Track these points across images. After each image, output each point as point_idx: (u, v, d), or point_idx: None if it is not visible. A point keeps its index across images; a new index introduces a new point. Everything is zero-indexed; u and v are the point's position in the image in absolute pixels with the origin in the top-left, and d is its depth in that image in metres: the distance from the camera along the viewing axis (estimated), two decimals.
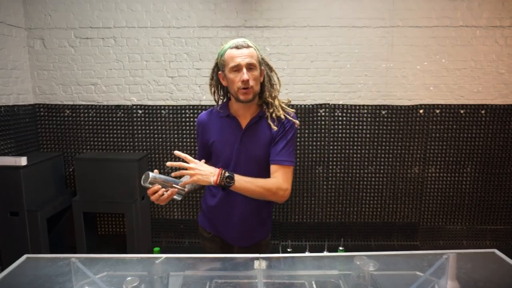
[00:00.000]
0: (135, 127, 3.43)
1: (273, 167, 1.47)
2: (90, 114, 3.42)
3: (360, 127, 3.39)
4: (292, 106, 3.24)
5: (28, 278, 1.37)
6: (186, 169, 1.42)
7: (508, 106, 3.34)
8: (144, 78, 3.36)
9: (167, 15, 3.26)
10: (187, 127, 3.42)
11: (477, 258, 1.52)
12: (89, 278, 1.28)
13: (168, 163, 1.46)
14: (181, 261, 1.50)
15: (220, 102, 1.60)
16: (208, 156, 1.60)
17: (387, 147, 3.41)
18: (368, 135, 3.40)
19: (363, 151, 3.42)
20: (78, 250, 3.12)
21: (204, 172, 1.40)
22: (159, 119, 3.41)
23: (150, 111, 3.40)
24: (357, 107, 3.36)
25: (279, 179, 1.45)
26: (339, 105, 3.36)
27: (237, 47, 1.42)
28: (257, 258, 1.41)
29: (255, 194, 1.44)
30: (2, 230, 2.85)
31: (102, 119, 3.42)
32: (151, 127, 3.42)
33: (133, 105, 3.40)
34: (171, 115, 3.40)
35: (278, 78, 1.54)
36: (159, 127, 3.42)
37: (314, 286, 1.36)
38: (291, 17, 3.25)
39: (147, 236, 3.41)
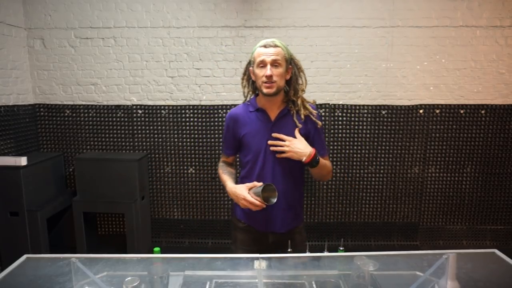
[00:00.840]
0: (135, 127, 3.43)
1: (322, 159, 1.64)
2: (90, 114, 3.42)
3: (360, 127, 3.39)
4: None
5: (28, 278, 1.37)
6: (283, 143, 1.56)
7: (508, 106, 3.34)
8: (144, 78, 3.36)
9: (167, 15, 3.26)
10: (187, 127, 3.42)
11: (477, 258, 1.52)
12: (89, 278, 1.28)
13: (274, 134, 1.58)
14: (181, 261, 1.50)
15: (248, 97, 1.72)
16: (235, 149, 1.73)
17: (387, 147, 3.41)
18: (368, 135, 3.40)
19: (363, 151, 3.42)
20: (78, 250, 3.12)
21: (297, 151, 1.54)
22: (159, 119, 3.41)
23: (150, 111, 3.40)
24: (357, 107, 3.36)
25: (329, 163, 1.68)
26: (339, 105, 3.36)
27: (265, 46, 1.55)
28: (257, 258, 1.41)
29: (322, 173, 1.64)
30: (2, 230, 2.85)
31: (102, 119, 3.42)
32: (151, 127, 3.42)
33: (133, 105, 3.40)
34: (171, 115, 3.40)
35: (305, 79, 1.65)
36: (159, 127, 3.42)
37: (314, 286, 1.36)
38: (291, 17, 3.25)
39: (147, 236, 3.42)
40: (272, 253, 1.61)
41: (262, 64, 1.54)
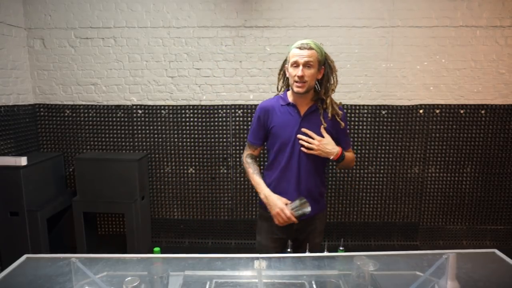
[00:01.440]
0: (135, 127, 3.43)
1: (346, 152, 1.79)
2: (90, 114, 3.42)
3: (360, 127, 3.39)
4: None
5: (28, 278, 1.37)
6: (312, 140, 1.69)
7: (508, 106, 3.34)
8: (144, 78, 3.36)
9: (167, 15, 3.26)
10: (187, 127, 3.42)
11: (477, 258, 1.52)
12: (89, 278, 1.28)
13: (304, 129, 1.70)
14: (181, 261, 1.50)
15: (281, 91, 1.84)
16: (263, 140, 1.84)
17: (387, 147, 3.41)
18: (368, 135, 3.40)
19: (363, 151, 3.42)
20: (78, 250, 3.12)
21: (326, 150, 1.68)
22: (159, 119, 3.41)
23: (150, 111, 3.40)
24: (357, 107, 3.36)
25: (352, 154, 1.84)
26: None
27: (300, 48, 1.64)
28: (257, 258, 1.41)
29: (346, 165, 1.81)
30: (2, 230, 2.85)
31: (102, 119, 3.42)
32: (151, 127, 3.42)
33: (133, 105, 3.40)
34: (171, 115, 3.40)
35: (336, 80, 1.75)
36: (159, 127, 3.42)
37: (314, 286, 1.36)
38: (291, 17, 3.25)
39: (147, 236, 3.42)
40: (297, 239, 1.80)
41: (295, 65, 1.64)
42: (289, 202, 1.66)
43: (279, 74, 1.82)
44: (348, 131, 1.84)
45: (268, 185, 1.77)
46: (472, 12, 3.21)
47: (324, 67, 1.71)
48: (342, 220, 3.53)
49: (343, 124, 1.74)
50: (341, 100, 3.31)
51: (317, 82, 1.73)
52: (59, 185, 3.31)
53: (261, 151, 1.94)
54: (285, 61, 1.76)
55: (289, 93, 1.78)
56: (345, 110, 1.80)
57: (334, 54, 3.28)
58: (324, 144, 1.67)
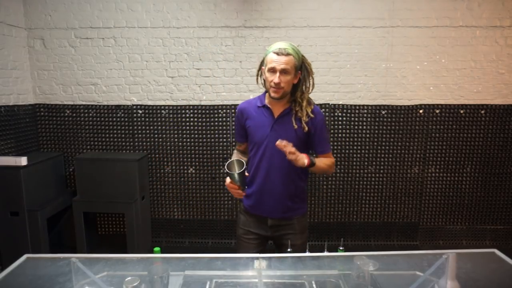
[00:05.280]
0: (135, 127, 3.43)
1: (320, 156, 1.82)
2: (90, 114, 3.42)
3: (360, 127, 3.39)
4: None
5: (28, 278, 1.37)
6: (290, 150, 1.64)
7: (508, 106, 3.34)
8: (144, 78, 3.36)
9: (167, 15, 3.27)
10: (187, 127, 3.42)
11: (477, 258, 1.52)
12: (89, 278, 1.28)
13: (278, 143, 1.61)
14: (181, 261, 1.50)
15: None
16: (245, 137, 1.88)
17: (387, 147, 3.41)
18: (368, 135, 3.40)
19: (363, 151, 3.42)
20: (78, 250, 3.12)
21: (300, 157, 1.61)
22: (159, 119, 3.41)
23: (150, 111, 3.40)
24: (357, 107, 3.36)
25: (330, 160, 1.82)
26: (339, 105, 3.36)
27: (277, 53, 1.64)
28: (257, 258, 1.41)
29: (324, 170, 1.80)
30: (2, 230, 2.85)
31: (102, 119, 3.42)
32: (151, 127, 3.42)
33: (133, 105, 3.40)
34: (171, 115, 3.40)
35: (313, 83, 1.77)
36: (159, 127, 3.42)
37: (314, 286, 1.36)
38: (291, 17, 3.25)
39: (147, 236, 3.42)
40: (273, 237, 1.85)
41: (273, 70, 1.65)
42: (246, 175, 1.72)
43: (257, 76, 1.84)
44: (326, 134, 1.82)
45: (250, 179, 1.84)
46: (472, 12, 3.21)
47: (301, 71, 1.72)
48: (342, 220, 3.53)
49: (306, 127, 1.70)
50: (341, 101, 3.35)
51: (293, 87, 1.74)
52: (59, 185, 3.31)
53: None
54: (262, 62, 1.77)
55: (266, 95, 1.80)
56: (323, 113, 1.80)
57: (334, 54, 3.29)
58: (297, 152, 1.61)
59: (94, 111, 3.41)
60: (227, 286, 1.35)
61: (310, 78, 1.76)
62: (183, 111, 3.40)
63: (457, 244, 3.55)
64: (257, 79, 1.84)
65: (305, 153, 1.67)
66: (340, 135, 3.39)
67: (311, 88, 1.77)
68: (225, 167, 1.67)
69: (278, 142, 1.57)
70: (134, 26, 3.28)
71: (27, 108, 3.30)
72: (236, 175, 1.62)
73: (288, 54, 1.64)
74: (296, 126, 1.71)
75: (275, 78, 1.64)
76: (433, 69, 3.30)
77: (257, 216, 1.84)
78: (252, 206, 1.84)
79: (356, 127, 3.39)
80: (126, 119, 3.42)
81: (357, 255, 1.38)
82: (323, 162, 1.77)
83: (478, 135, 3.38)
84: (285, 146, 1.56)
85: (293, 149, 1.58)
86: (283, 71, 1.64)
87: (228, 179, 1.69)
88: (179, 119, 3.41)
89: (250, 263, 1.42)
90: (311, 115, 1.73)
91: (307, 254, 1.57)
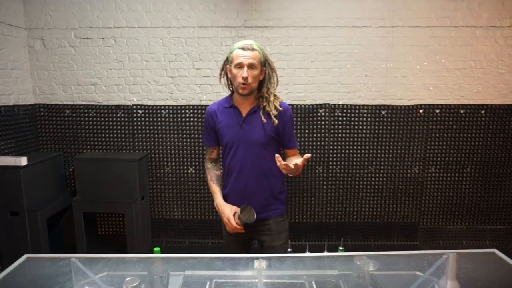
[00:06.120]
0: (135, 127, 3.43)
1: (290, 151, 1.86)
2: (90, 114, 3.42)
3: (360, 127, 3.39)
4: (292, 106, 3.25)
5: (28, 278, 1.37)
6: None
7: (508, 106, 3.34)
8: (144, 78, 3.36)
9: (167, 15, 3.26)
10: (187, 127, 3.42)
11: (477, 258, 1.52)
12: (89, 278, 1.28)
13: (278, 160, 1.59)
14: (181, 261, 1.50)
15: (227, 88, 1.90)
16: (215, 141, 1.90)
17: (387, 147, 3.41)
18: (368, 135, 3.40)
19: (363, 151, 3.42)
20: (78, 250, 3.12)
21: (296, 169, 1.59)
22: (159, 119, 3.41)
23: (150, 111, 3.40)
24: (357, 107, 3.36)
25: (299, 156, 1.77)
26: (339, 105, 3.36)
27: (243, 49, 1.68)
28: (257, 258, 1.41)
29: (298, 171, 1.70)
30: (2, 230, 2.85)
31: (102, 119, 3.42)
32: (151, 127, 3.42)
33: (133, 105, 3.40)
34: (171, 115, 3.40)
35: (277, 79, 1.82)
36: (159, 127, 3.42)
37: (314, 286, 1.36)
38: (291, 17, 3.25)
39: (147, 236, 3.42)
40: (251, 238, 1.89)
41: (240, 66, 1.68)
42: (238, 210, 1.73)
43: (220, 75, 1.84)
44: (292, 130, 1.85)
45: (225, 183, 1.89)
46: (472, 12, 3.21)
47: (265, 68, 1.76)
48: (342, 220, 3.53)
49: (276, 121, 1.74)
50: (341, 101, 3.35)
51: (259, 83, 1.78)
52: (59, 185, 3.31)
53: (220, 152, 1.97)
54: (226, 61, 1.79)
55: (233, 95, 1.84)
56: (290, 108, 1.84)
57: (334, 54, 3.29)
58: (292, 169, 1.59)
59: (94, 111, 3.41)
60: (227, 286, 1.35)
61: (274, 74, 1.80)
62: (183, 111, 3.40)
63: (457, 244, 3.55)
64: (220, 78, 1.85)
65: (276, 149, 1.74)
66: (340, 135, 3.39)
67: (276, 84, 1.81)
68: (241, 216, 1.70)
69: (276, 158, 1.57)
70: (134, 26, 3.28)
71: (27, 108, 3.30)
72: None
73: (253, 50, 1.68)
74: (265, 120, 1.73)
75: (244, 72, 1.66)
76: (433, 69, 3.30)
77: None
78: (231, 201, 1.84)
79: (356, 127, 3.39)
80: (126, 119, 3.42)
81: (357, 255, 1.38)
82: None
83: (478, 135, 3.38)
84: (280, 164, 1.56)
85: (286, 164, 1.55)
86: (250, 66, 1.67)
87: (233, 220, 1.73)
88: (179, 119, 3.41)
89: (250, 263, 1.42)
90: (280, 108, 1.76)
91: (307, 254, 1.57)
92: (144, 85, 3.37)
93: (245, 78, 1.66)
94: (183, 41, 3.30)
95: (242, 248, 1.91)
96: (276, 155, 1.57)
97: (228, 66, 1.77)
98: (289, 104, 1.92)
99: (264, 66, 1.76)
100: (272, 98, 1.76)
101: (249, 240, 1.94)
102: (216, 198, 1.85)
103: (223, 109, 1.84)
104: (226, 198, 1.86)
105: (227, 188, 1.87)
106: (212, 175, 1.94)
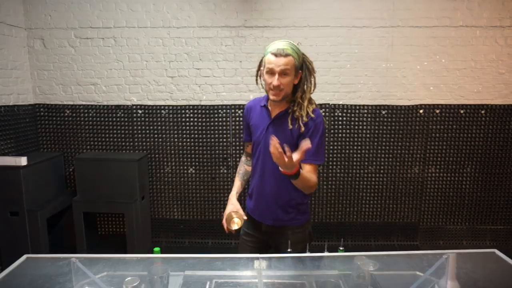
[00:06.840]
0: (135, 127, 3.43)
1: (306, 166, 1.58)
2: (90, 114, 3.42)
3: (360, 127, 3.39)
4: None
5: (28, 278, 1.37)
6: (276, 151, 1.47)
7: (508, 106, 3.34)
8: (144, 78, 3.36)
9: (167, 15, 3.26)
10: (187, 127, 3.42)
11: (477, 258, 1.52)
12: (89, 278, 1.28)
13: (273, 138, 1.36)
14: (181, 261, 1.50)
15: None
16: (250, 135, 1.83)
17: (387, 147, 3.41)
18: (368, 135, 3.40)
19: (363, 151, 3.42)
20: (78, 250, 3.12)
21: (288, 166, 1.38)
22: (159, 119, 3.41)
23: (150, 111, 3.40)
24: (357, 107, 3.36)
25: (314, 177, 1.58)
26: (339, 105, 3.36)
27: (275, 55, 1.54)
28: (257, 258, 1.41)
29: (304, 186, 1.55)
30: (2, 230, 2.85)
31: (102, 119, 3.42)
32: (151, 127, 3.42)
33: (133, 105, 3.40)
34: (171, 115, 3.40)
35: (314, 83, 1.67)
36: (159, 127, 3.42)
37: (314, 286, 1.36)
38: (291, 17, 3.25)
39: (147, 236, 3.42)
40: (268, 242, 1.80)
41: (271, 72, 1.56)
42: (233, 213, 1.70)
43: (256, 77, 1.75)
44: (319, 141, 1.60)
45: (250, 181, 1.84)
46: (472, 12, 3.21)
47: (301, 71, 1.62)
48: (342, 220, 3.53)
49: (303, 128, 1.58)
50: (341, 101, 3.35)
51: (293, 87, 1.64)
52: (59, 185, 3.31)
53: None
54: (261, 63, 1.68)
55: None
56: (322, 116, 1.66)
57: (334, 54, 3.29)
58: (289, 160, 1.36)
59: (94, 111, 3.41)
60: (227, 286, 1.35)
61: (312, 77, 1.66)
62: (183, 111, 3.40)
63: (457, 244, 3.55)
64: (256, 80, 1.75)
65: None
66: (340, 135, 3.39)
67: (312, 88, 1.67)
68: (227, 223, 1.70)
69: (271, 138, 1.34)
70: (134, 26, 3.28)
71: (27, 108, 3.30)
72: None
73: (287, 55, 1.53)
74: (291, 127, 1.60)
75: (274, 80, 1.54)
76: (433, 69, 3.30)
77: (254, 220, 1.79)
78: (251, 208, 1.82)
79: (356, 127, 3.39)
80: (126, 119, 3.42)
81: (357, 255, 1.38)
82: (306, 176, 1.51)
83: (478, 135, 3.38)
84: (274, 142, 1.32)
85: (279, 148, 1.31)
86: (282, 73, 1.54)
87: (224, 221, 1.72)
88: (179, 119, 3.41)
89: (250, 263, 1.42)
90: (312, 115, 1.60)
91: (307, 254, 1.56)
92: (144, 85, 3.37)
93: (276, 86, 1.55)
94: (183, 41, 3.30)
95: (255, 251, 1.80)
96: (272, 135, 1.36)
97: (261, 69, 1.66)
98: None
99: (301, 69, 1.62)
100: (306, 103, 1.62)
101: (265, 245, 1.81)
102: (232, 192, 1.83)
103: (258, 107, 1.78)
104: (251, 197, 1.82)
105: (251, 187, 1.82)
106: (241, 168, 1.91)
